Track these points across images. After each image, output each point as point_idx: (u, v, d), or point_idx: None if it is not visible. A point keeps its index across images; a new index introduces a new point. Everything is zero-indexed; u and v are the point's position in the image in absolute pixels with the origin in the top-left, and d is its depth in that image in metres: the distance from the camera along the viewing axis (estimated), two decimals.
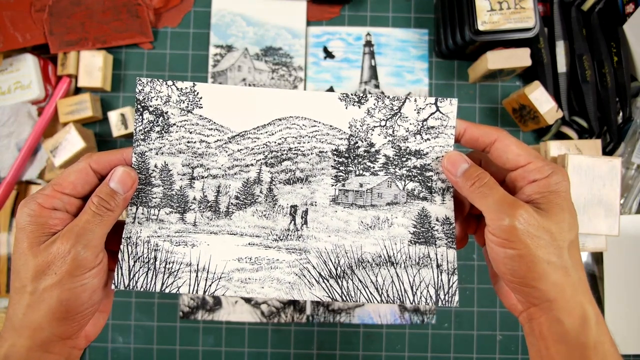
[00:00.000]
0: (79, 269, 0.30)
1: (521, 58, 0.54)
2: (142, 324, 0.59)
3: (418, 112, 0.35)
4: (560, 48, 0.57)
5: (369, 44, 0.62)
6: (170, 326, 0.59)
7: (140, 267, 0.33)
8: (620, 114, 0.56)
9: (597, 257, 0.57)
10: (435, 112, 0.35)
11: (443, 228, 0.34)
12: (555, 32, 0.57)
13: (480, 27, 0.51)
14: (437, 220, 0.34)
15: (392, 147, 0.35)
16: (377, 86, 0.61)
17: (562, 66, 0.57)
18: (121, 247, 0.33)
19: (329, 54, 0.62)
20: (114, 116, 0.58)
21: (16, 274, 0.30)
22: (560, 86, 0.57)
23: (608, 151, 0.57)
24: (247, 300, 0.59)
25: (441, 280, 0.34)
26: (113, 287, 0.33)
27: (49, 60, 0.60)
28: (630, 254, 0.56)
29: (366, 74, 0.61)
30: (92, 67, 0.58)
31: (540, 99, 0.54)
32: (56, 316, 0.29)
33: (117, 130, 0.57)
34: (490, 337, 0.59)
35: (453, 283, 0.33)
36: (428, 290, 0.33)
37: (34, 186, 0.59)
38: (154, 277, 0.33)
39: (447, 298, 0.33)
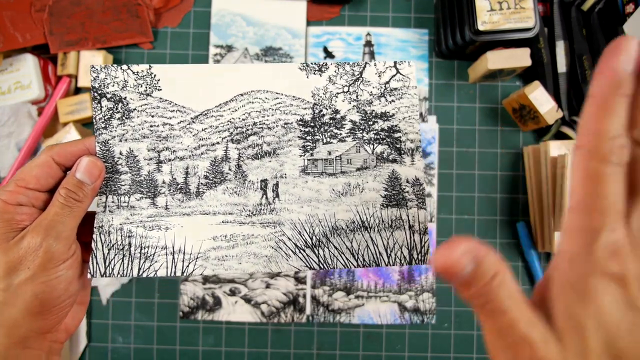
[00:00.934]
0: (51, 261, 0.29)
1: (521, 58, 0.54)
2: (142, 324, 0.59)
3: (379, 76, 0.35)
4: (560, 48, 0.57)
5: (369, 44, 0.62)
6: (170, 326, 0.59)
7: (115, 255, 0.33)
8: None
9: None
10: (396, 74, 0.35)
11: (413, 189, 0.34)
12: (555, 32, 0.57)
13: (480, 27, 0.51)
14: (407, 181, 0.34)
15: (357, 111, 0.35)
16: None
17: (562, 66, 0.57)
18: (94, 236, 0.33)
19: (329, 54, 0.62)
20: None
21: None
22: (560, 86, 0.57)
23: None
24: (247, 300, 0.59)
25: (414, 241, 0.34)
26: (89, 276, 0.32)
27: (49, 60, 0.60)
28: None
29: None
30: None
31: (540, 99, 0.54)
32: (32, 311, 0.29)
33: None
34: None
35: (425, 242, 0.34)
36: (402, 251, 0.34)
37: None
38: (129, 262, 0.33)
39: (420, 257, 0.34)
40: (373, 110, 0.35)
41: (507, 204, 0.60)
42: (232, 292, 0.59)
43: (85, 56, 0.58)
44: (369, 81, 0.35)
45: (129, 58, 0.61)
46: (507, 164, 0.60)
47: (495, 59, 0.54)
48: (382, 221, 0.34)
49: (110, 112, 0.34)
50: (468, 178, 0.60)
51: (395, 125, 0.35)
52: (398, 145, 0.35)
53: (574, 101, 0.58)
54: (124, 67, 0.34)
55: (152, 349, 0.58)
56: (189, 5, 0.62)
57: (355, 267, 0.34)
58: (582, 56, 0.56)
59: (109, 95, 0.34)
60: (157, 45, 0.61)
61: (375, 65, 0.35)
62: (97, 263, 0.33)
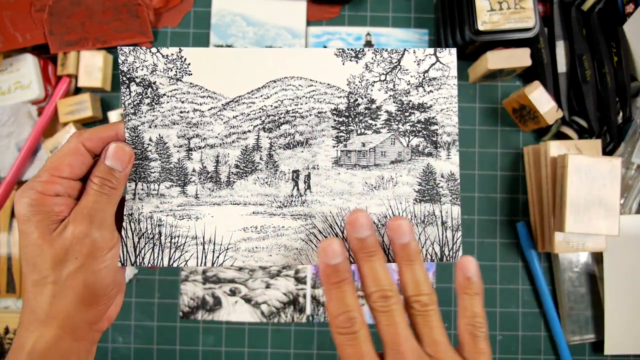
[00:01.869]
0: (99, 250, 0.29)
1: (521, 58, 0.54)
2: (142, 324, 0.59)
3: (418, 64, 0.33)
4: (560, 48, 0.57)
5: (369, 44, 0.62)
6: (170, 326, 0.59)
7: (146, 244, 0.33)
8: (620, 114, 0.56)
9: (597, 257, 0.57)
10: (436, 62, 0.33)
11: (448, 184, 0.33)
12: (555, 32, 0.57)
13: (480, 27, 0.51)
14: (442, 176, 0.33)
15: (393, 102, 0.34)
16: None
17: (562, 66, 0.57)
18: (124, 224, 0.33)
19: None
20: (114, 116, 0.57)
21: (32, 267, 0.29)
22: (560, 86, 0.57)
23: (608, 151, 0.57)
24: (247, 300, 0.59)
25: (446, 237, 0.33)
26: (119, 264, 0.32)
27: (49, 60, 0.60)
28: (630, 254, 0.56)
29: None
30: (92, 67, 0.58)
31: (540, 99, 0.54)
32: (85, 301, 0.29)
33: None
34: (490, 337, 0.58)
35: (457, 239, 0.33)
36: (433, 247, 0.33)
37: None
38: (160, 252, 0.33)
39: (451, 254, 0.33)
40: (410, 101, 0.33)
41: (507, 204, 0.60)
42: (232, 292, 0.59)
43: (85, 56, 0.58)
44: (407, 69, 0.33)
45: None
46: (507, 164, 0.60)
47: (495, 59, 0.54)
48: (415, 216, 0.33)
49: (140, 97, 0.33)
50: (468, 178, 0.60)
51: (433, 117, 0.33)
52: (434, 138, 0.33)
53: (574, 101, 0.58)
54: (153, 50, 0.33)
55: (152, 349, 0.58)
56: (189, 5, 0.62)
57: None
58: (582, 56, 0.56)
59: (137, 80, 0.33)
60: (157, 45, 0.61)
61: (414, 52, 0.33)
62: (127, 252, 0.32)
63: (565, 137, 0.58)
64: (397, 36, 0.62)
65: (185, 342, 0.58)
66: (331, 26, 0.62)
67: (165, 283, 0.59)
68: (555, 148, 0.54)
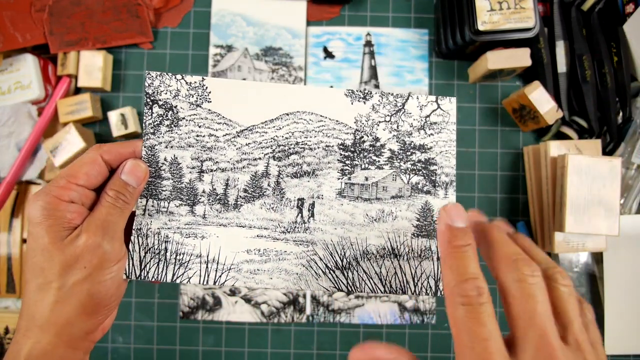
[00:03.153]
0: (107, 261, 0.30)
1: (521, 58, 0.54)
2: (142, 324, 0.59)
3: (421, 109, 0.36)
4: (560, 48, 0.57)
5: (369, 44, 0.62)
6: (170, 326, 0.59)
7: (151, 259, 0.34)
8: (620, 114, 0.56)
9: (597, 257, 0.57)
10: (437, 109, 0.36)
11: None
12: (555, 32, 0.57)
13: (480, 27, 0.51)
14: (438, 214, 0.35)
15: (397, 141, 0.36)
16: (377, 86, 0.61)
17: (562, 66, 0.57)
18: (132, 238, 0.34)
19: (329, 54, 0.62)
20: (114, 116, 0.57)
21: (38, 271, 0.29)
22: (560, 86, 0.57)
23: (608, 151, 0.57)
24: (247, 300, 0.59)
25: (440, 272, 0.34)
26: (124, 277, 0.33)
27: (49, 60, 0.60)
28: (630, 254, 0.56)
29: (366, 74, 0.61)
30: (92, 67, 0.58)
31: (540, 99, 0.54)
32: (86, 310, 0.29)
33: (117, 130, 0.57)
34: None
35: None
36: (428, 282, 0.34)
37: (34, 186, 0.59)
38: (164, 267, 0.34)
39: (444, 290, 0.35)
40: (412, 142, 0.36)
41: (507, 204, 0.60)
42: (232, 292, 0.59)
43: (85, 56, 0.58)
44: (410, 113, 0.36)
45: (129, 58, 0.61)
46: (507, 164, 0.60)
47: (495, 59, 0.54)
48: (412, 250, 0.35)
49: (160, 118, 0.35)
50: (468, 178, 0.60)
51: (432, 158, 0.36)
52: (433, 178, 0.36)
53: (574, 101, 0.58)
54: (179, 76, 0.35)
55: (152, 349, 0.58)
56: (189, 5, 0.62)
57: (382, 292, 0.34)
58: (582, 56, 0.56)
59: (160, 102, 0.35)
60: (157, 45, 0.61)
61: (417, 98, 0.36)
62: (132, 265, 0.33)
63: (565, 137, 0.58)
64: (397, 36, 0.62)
65: (185, 342, 0.58)
66: (331, 26, 0.62)
67: (166, 283, 0.59)
68: (555, 148, 0.54)
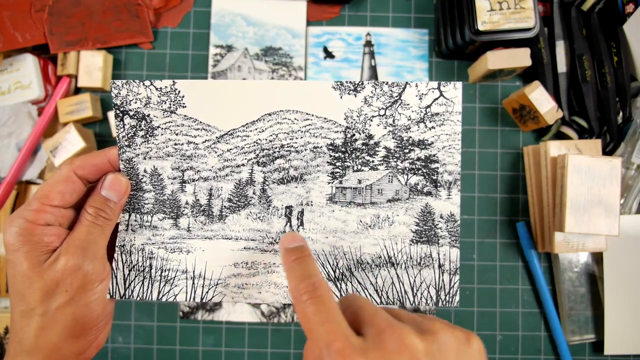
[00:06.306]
0: (90, 283, 0.29)
1: (521, 58, 0.54)
2: (142, 324, 0.59)
3: (420, 99, 0.32)
4: (560, 48, 0.57)
5: (369, 44, 0.62)
6: (170, 326, 0.59)
7: (136, 276, 0.32)
8: (620, 114, 0.56)
9: (597, 257, 0.57)
10: (439, 97, 0.32)
11: (447, 226, 0.32)
12: (555, 32, 0.57)
13: (480, 27, 0.51)
14: (441, 217, 0.32)
15: (393, 138, 0.32)
16: None
17: (562, 66, 0.57)
18: (115, 255, 0.32)
19: (329, 54, 0.62)
20: (113, 116, 0.57)
21: (20, 297, 0.28)
22: (560, 86, 0.57)
23: (608, 151, 0.57)
24: None
25: (442, 281, 0.32)
26: (108, 296, 0.32)
27: (49, 60, 0.60)
28: (630, 254, 0.56)
29: (366, 74, 0.61)
30: (92, 67, 0.58)
31: (540, 99, 0.54)
32: (73, 334, 0.29)
33: (117, 130, 0.57)
34: (490, 337, 0.59)
35: (454, 283, 0.32)
36: (429, 291, 0.32)
37: (34, 186, 0.59)
38: (149, 285, 0.32)
39: (447, 299, 0.32)
40: (410, 137, 0.32)
41: (507, 204, 0.60)
42: None
43: (85, 56, 0.58)
44: (408, 104, 0.32)
45: (129, 58, 0.61)
46: (507, 164, 0.60)
47: (495, 59, 0.54)
48: (411, 258, 0.32)
49: (134, 129, 0.33)
50: (468, 178, 0.60)
51: (433, 155, 0.32)
52: (434, 177, 0.32)
53: (574, 101, 0.58)
54: (147, 82, 0.32)
55: (152, 349, 0.58)
56: (189, 5, 0.62)
57: (378, 304, 0.32)
58: (582, 56, 0.56)
59: (131, 113, 0.33)
60: (157, 45, 0.61)
61: (416, 86, 0.32)
62: (116, 284, 0.32)
63: (565, 137, 0.58)
64: (397, 36, 0.62)
65: (185, 342, 0.58)
66: (331, 26, 0.62)
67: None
68: (555, 148, 0.54)
